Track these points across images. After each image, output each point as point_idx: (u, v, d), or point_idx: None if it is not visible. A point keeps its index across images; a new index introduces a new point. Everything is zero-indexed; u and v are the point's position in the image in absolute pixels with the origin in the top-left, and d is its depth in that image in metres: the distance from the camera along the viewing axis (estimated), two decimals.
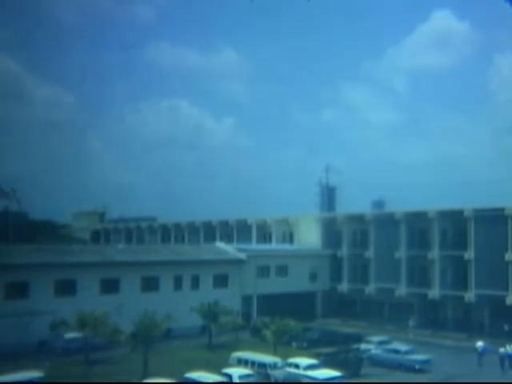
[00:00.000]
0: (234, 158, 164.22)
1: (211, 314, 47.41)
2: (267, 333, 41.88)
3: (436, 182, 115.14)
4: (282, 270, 62.23)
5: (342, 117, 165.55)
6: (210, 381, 31.57)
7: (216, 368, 34.84)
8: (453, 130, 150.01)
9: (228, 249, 61.73)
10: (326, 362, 37.19)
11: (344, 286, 64.50)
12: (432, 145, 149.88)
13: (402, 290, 58.76)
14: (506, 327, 49.88)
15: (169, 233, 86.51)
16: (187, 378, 32.41)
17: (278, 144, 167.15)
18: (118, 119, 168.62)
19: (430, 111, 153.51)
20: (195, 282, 54.46)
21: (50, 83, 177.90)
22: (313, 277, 64.90)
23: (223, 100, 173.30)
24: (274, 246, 69.72)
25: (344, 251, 64.91)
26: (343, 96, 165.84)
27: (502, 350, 41.34)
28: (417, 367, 39.82)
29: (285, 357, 38.24)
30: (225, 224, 76.77)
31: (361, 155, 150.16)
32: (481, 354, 41.81)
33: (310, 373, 34.65)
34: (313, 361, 37.09)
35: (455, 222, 56.30)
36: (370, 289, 61.61)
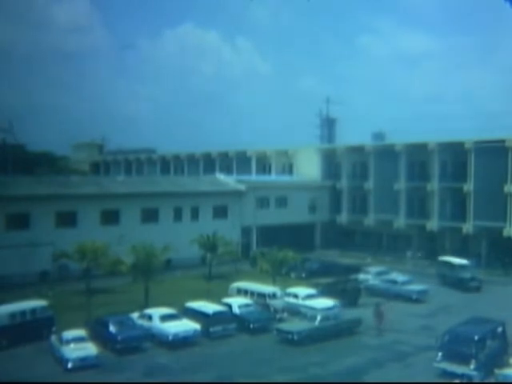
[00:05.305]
0: (243, 89, 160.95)
1: (211, 244, 47.83)
2: (265, 263, 42.27)
3: (446, 115, 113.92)
4: (282, 202, 62.41)
5: (367, 46, 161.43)
6: (210, 310, 32.04)
7: (216, 298, 35.36)
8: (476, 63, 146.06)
9: (227, 180, 61.68)
10: (325, 292, 37.68)
11: (343, 218, 64.87)
12: (447, 77, 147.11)
13: (400, 221, 59.14)
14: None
15: (168, 165, 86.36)
16: (188, 307, 32.90)
17: (291, 72, 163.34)
18: (124, 47, 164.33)
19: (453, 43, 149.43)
20: (195, 214, 54.68)
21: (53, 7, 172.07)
22: (312, 208, 65.19)
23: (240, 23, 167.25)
24: (273, 177, 69.69)
25: (343, 183, 64.96)
26: (373, 26, 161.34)
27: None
28: (414, 297, 40.49)
29: (284, 287, 38.79)
30: (224, 156, 76.51)
31: (373, 86, 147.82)
32: None
33: (309, 302, 35.13)
34: (311, 290, 37.61)
35: (455, 154, 56.05)
36: (369, 220, 61.99)
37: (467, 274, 44.63)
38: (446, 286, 44.68)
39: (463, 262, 46.55)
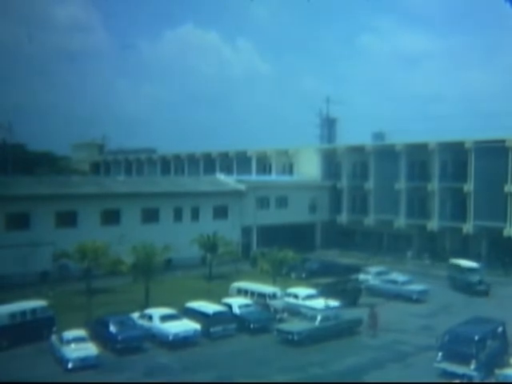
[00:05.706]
0: (244, 89, 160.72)
1: (211, 245, 47.81)
2: (265, 264, 42.22)
3: (447, 115, 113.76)
4: (282, 202, 62.38)
5: (368, 46, 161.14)
6: (211, 310, 32.03)
7: (216, 298, 35.35)
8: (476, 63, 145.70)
9: (228, 180, 61.66)
10: (325, 292, 37.64)
11: (343, 218, 64.86)
12: (449, 76, 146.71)
13: (401, 221, 59.13)
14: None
15: (168, 165, 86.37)
16: (188, 308, 32.89)
17: (291, 72, 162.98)
18: (125, 47, 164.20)
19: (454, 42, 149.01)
20: (195, 214, 54.63)
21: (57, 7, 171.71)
22: (312, 208, 65.17)
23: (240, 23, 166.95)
24: (273, 177, 69.67)
25: (344, 183, 64.95)
26: (373, 26, 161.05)
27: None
28: (414, 297, 40.48)
29: (284, 287, 38.77)
30: (225, 156, 76.53)
31: (374, 86, 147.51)
32: None
33: (309, 302, 35.15)
34: (311, 291, 37.59)
35: (456, 154, 56.01)
36: (370, 220, 61.99)
37: (475, 278, 43.51)
38: (457, 290, 43.96)
39: (472, 264, 45.45)
